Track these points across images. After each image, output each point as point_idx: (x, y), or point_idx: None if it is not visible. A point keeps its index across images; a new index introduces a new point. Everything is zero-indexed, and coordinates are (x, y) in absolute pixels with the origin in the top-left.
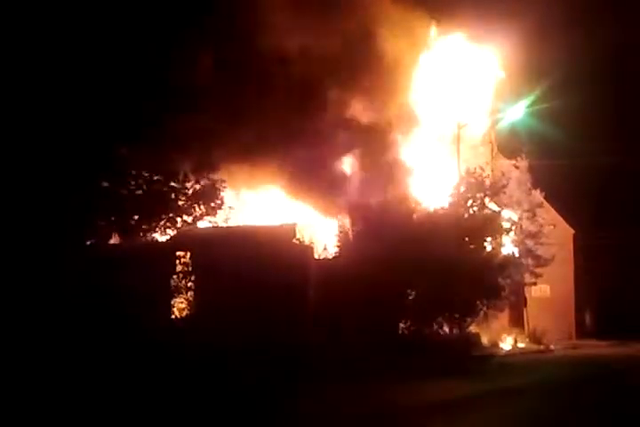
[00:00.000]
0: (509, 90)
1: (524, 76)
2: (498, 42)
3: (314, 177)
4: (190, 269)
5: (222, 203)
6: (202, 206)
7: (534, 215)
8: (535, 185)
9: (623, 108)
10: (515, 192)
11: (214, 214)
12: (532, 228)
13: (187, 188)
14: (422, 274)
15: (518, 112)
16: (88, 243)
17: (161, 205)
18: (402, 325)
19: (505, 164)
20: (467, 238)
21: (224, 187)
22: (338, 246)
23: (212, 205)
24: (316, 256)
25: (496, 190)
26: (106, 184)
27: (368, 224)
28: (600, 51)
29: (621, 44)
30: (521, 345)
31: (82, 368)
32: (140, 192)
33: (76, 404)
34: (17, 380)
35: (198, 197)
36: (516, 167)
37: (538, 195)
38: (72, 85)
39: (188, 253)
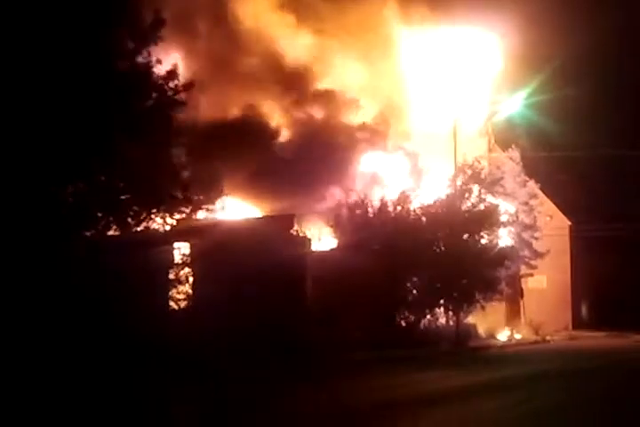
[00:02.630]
0: (507, 82)
1: (522, 68)
2: (495, 34)
3: (311, 171)
4: (189, 260)
5: (221, 192)
6: (200, 197)
7: (531, 208)
8: (531, 177)
9: (620, 99)
10: (509, 184)
11: (212, 203)
12: (529, 220)
13: (184, 178)
14: (419, 266)
15: (515, 104)
16: (86, 234)
17: (158, 196)
18: (399, 316)
19: (500, 156)
20: (464, 231)
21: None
22: (335, 238)
23: (210, 194)
24: (314, 247)
25: (493, 183)
26: (102, 176)
27: (365, 216)
28: (598, 43)
29: (620, 37)
30: (517, 336)
31: (77, 359)
32: (136, 184)
33: (72, 393)
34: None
35: (196, 187)
36: (510, 159)
37: (533, 186)
38: (68, 79)
39: (187, 245)
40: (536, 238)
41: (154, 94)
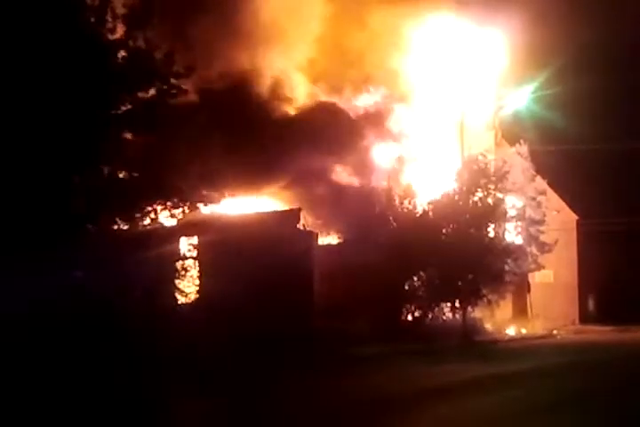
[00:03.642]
0: (514, 76)
1: (529, 62)
2: (501, 27)
3: (315, 169)
4: (195, 254)
5: (225, 186)
6: (205, 190)
7: (539, 203)
8: (539, 171)
9: (628, 93)
10: (518, 179)
11: (218, 199)
12: (536, 215)
13: (189, 171)
14: (426, 260)
15: (523, 98)
16: (91, 228)
17: (164, 189)
18: (405, 310)
19: (507, 151)
20: (470, 225)
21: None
22: (341, 232)
23: (216, 187)
24: (320, 242)
25: (500, 177)
26: (107, 169)
27: (372, 212)
28: (605, 36)
29: (628, 29)
30: (524, 331)
31: (82, 354)
32: (141, 177)
33: (79, 388)
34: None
35: (202, 181)
36: (519, 154)
37: (542, 181)
38: (67, 70)
39: (194, 239)
40: (542, 233)
41: (154, 81)
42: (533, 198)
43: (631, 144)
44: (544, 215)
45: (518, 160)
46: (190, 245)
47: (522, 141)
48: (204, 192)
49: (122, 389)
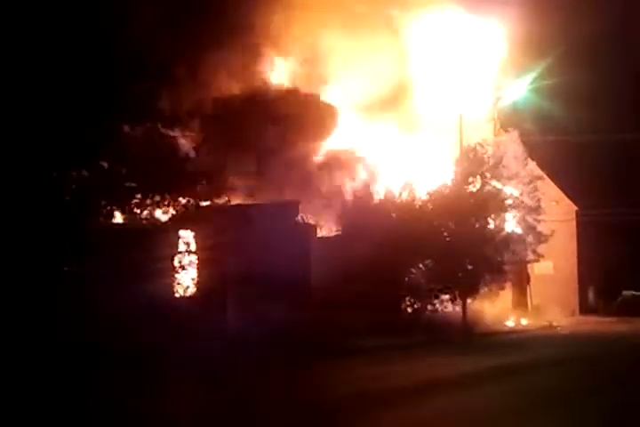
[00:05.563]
0: (512, 67)
1: (527, 53)
2: (500, 17)
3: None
4: (193, 247)
5: (225, 182)
6: (203, 182)
7: (535, 189)
8: (538, 162)
9: (625, 83)
10: (512, 164)
11: (217, 195)
12: (533, 203)
13: (189, 166)
14: (425, 252)
15: (521, 89)
16: (90, 222)
17: (162, 184)
18: (404, 303)
19: (502, 139)
20: (469, 216)
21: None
22: (339, 225)
23: (215, 183)
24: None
25: (495, 164)
26: (105, 163)
27: (370, 203)
28: (603, 27)
29: (625, 21)
30: (524, 322)
31: (79, 347)
32: (140, 171)
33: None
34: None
35: (200, 176)
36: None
37: (535, 167)
38: (67, 64)
39: (191, 232)
40: (539, 221)
41: (151, 75)
42: (530, 182)
43: (631, 135)
44: (540, 201)
45: (513, 147)
46: (188, 238)
47: (511, 129)
48: (203, 185)
49: (117, 382)
